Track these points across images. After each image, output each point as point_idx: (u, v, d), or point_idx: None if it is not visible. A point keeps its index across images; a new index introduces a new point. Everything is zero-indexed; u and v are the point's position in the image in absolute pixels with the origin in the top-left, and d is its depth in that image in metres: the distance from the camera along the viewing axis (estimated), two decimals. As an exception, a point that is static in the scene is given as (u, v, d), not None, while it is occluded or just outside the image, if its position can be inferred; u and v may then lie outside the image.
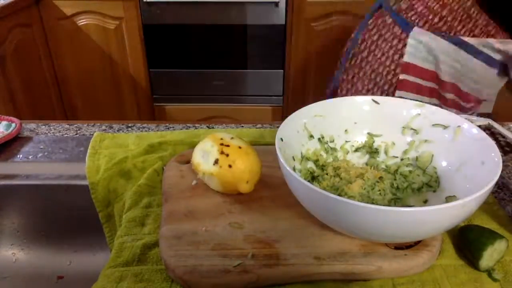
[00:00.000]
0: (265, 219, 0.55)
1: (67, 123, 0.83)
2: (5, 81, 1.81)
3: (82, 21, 2.06)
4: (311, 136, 0.62)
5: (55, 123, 0.83)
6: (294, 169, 0.58)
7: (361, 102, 0.64)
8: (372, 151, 0.64)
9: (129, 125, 0.82)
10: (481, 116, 0.77)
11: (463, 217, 0.46)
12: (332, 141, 0.64)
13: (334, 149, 0.64)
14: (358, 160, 0.64)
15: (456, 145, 0.57)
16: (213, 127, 0.81)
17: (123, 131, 0.79)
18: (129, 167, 0.66)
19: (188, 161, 0.66)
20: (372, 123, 0.64)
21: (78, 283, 0.69)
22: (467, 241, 0.52)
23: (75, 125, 0.82)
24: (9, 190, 0.69)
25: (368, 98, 0.63)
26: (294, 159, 0.59)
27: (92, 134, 0.78)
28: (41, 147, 0.75)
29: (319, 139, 0.63)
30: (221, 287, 0.47)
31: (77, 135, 0.79)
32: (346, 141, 0.64)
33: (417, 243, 0.51)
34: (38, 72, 2.06)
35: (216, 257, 0.49)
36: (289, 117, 0.60)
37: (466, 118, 0.59)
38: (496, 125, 0.77)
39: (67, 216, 0.70)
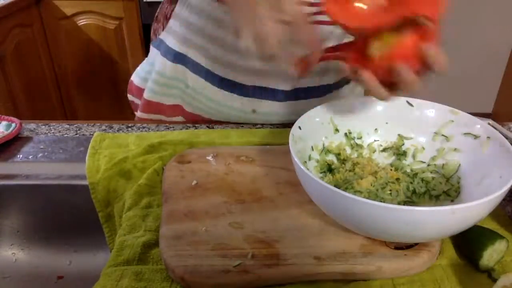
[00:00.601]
0: (265, 219, 0.55)
1: (67, 123, 0.83)
2: (5, 81, 1.81)
3: (82, 21, 2.06)
4: (337, 130, 0.63)
5: (55, 123, 0.83)
6: (309, 158, 0.60)
7: (395, 103, 0.63)
8: (400, 153, 0.63)
9: (129, 125, 0.82)
10: (481, 116, 0.77)
11: (451, 226, 0.46)
12: (360, 138, 0.64)
13: (360, 146, 0.64)
14: (384, 160, 0.64)
15: (483, 157, 0.56)
16: (213, 127, 0.81)
17: (123, 131, 0.79)
18: (129, 167, 0.66)
19: (188, 161, 0.66)
20: (404, 125, 0.64)
21: (78, 283, 0.69)
22: (467, 241, 0.52)
23: (75, 125, 0.82)
24: (9, 190, 0.69)
25: (402, 99, 0.63)
26: (313, 149, 0.61)
27: (92, 134, 0.78)
28: (41, 147, 0.75)
29: (345, 134, 0.64)
30: (221, 287, 0.47)
31: (77, 135, 0.79)
32: (375, 140, 0.65)
33: (417, 243, 0.51)
34: (38, 72, 2.06)
35: (216, 257, 0.49)
36: (314, 109, 0.61)
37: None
38: (496, 125, 0.77)
39: (67, 216, 0.70)
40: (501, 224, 0.57)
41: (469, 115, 0.60)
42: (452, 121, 0.61)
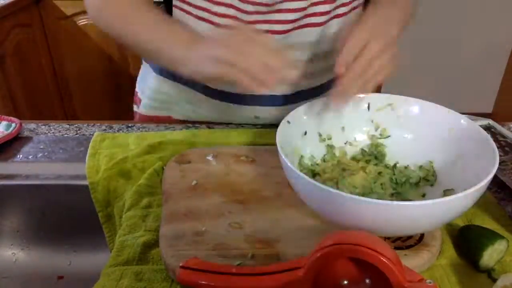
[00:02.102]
0: (265, 219, 0.55)
1: (67, 123, 0.83)
2: (5, 81, 1.81)
3: (82, 21, 2.06)
4: (305, 134, 0.63)
5: (55, 123, 0.83)
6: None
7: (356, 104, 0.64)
8: (373, 149, 0.64)
9: (129, 125, 0.82)
10: (481, 116, 0.77)
11: (462, 210, 0.47)
12: (330, 139, 0.64)
13: (331, 147, 0.64)
14: (358, 156, 0.64)
15: (451, 140, 0.58)
16: (213, 127, 0.81)
17: (123, 131, 0.79)
18: (129, 167, 0.66)
19: (188, 161, 0.66)
20: (365, 121, 0.64)
21: (78, 283, 0.69)
22: (467, 241, 0.52)
23: (75, 125, 0.82)
24: (9, 190, 0.69)
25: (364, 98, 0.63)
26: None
27: (92, 134, 0.78)
28: (41, 147, 0.75)
29: (319, 135, 0.64)
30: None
31: (77, 135, 0.79)
32: (347, 142, 0.65)
33: (417, 243, 0.51)
34: (38, 72, 2.06)
35: (216, 257, 0.49)
36: (289, 114, 0.60)
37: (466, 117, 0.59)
38: (496, 125, 0.77)
39: (67, 216, 0.70)
40: (501, 224, 0.57)
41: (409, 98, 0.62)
42: (390, 104, 0.63)
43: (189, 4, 0.69)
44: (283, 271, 0.43)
